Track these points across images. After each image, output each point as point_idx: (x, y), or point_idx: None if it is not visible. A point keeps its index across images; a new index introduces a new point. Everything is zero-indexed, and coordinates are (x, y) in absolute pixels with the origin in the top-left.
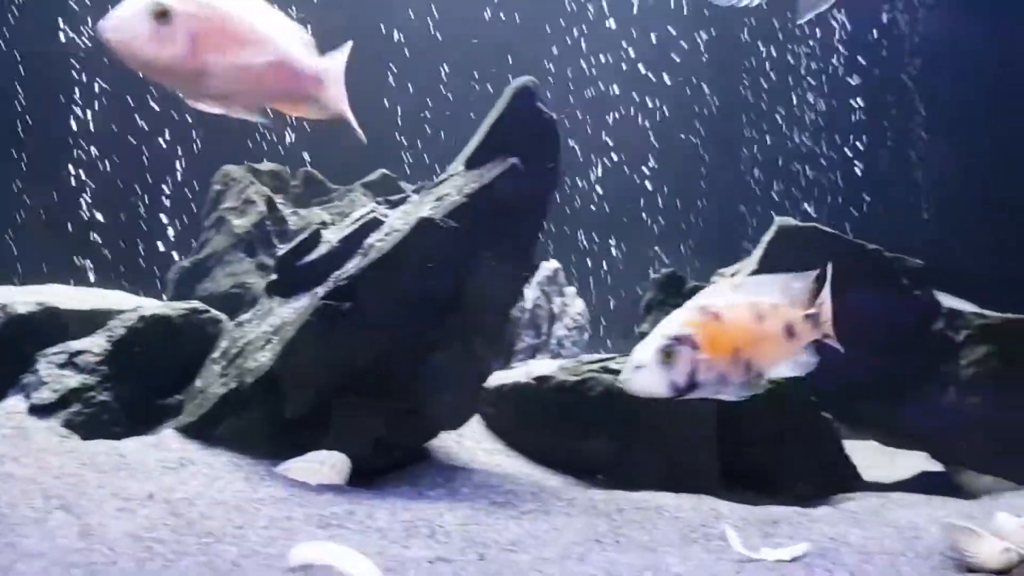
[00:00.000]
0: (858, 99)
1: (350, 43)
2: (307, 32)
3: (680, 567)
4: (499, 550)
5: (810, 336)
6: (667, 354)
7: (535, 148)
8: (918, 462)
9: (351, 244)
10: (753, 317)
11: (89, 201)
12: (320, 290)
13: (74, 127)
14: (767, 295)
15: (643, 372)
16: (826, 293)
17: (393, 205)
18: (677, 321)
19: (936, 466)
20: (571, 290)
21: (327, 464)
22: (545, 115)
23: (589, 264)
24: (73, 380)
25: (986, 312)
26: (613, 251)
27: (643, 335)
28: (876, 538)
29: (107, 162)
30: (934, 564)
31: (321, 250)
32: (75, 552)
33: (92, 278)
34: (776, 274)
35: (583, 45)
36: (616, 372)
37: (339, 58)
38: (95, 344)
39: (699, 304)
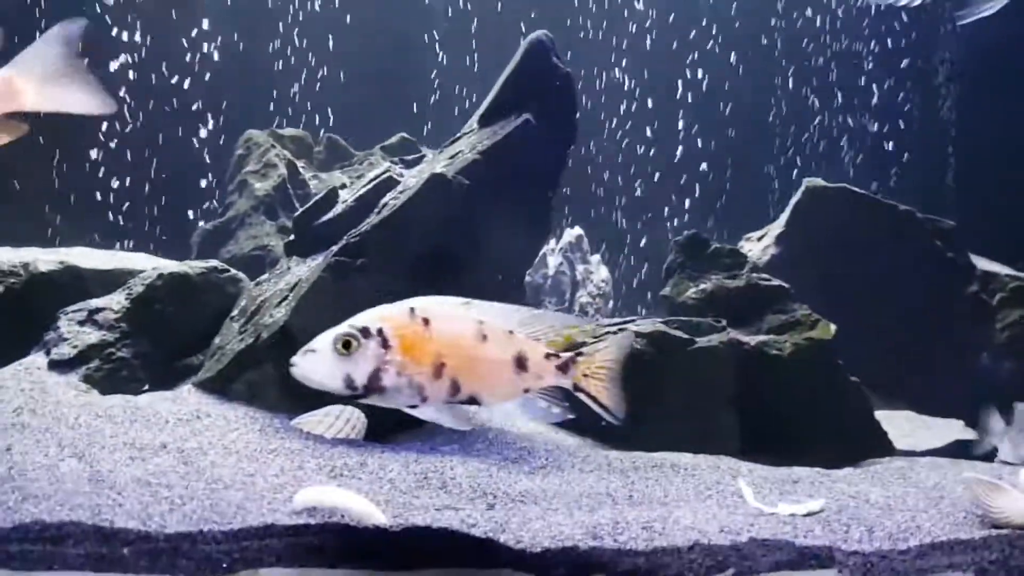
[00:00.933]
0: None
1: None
2: None
3: (690, 519)
4: (508, 501)
5: (552, 381)
6: (346, 344)
7: (551, 104)
8: (953, 431)
9: (366, 203)
10: (473, 335)
11: (114, 170)
12: (334, 248)
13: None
14: (502, 320)
15: (311, 357)
16: (600, 347)
17: (409, 165)
18: (375, 314)
19: (971, 434)
20: (595, 258)
21: (342, 418)
22: (561, 70)
23: (616, 232)
24: (92, 336)
25: (1021, 274)
26: (639, 219)
27: (666, 298)
28: (898, 496)
29: (133, 127)
30: (957, 520)
31: (337, 210)
32: (81, 495)
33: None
34: (533, 310)
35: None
36: (636, 335)
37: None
38: (114, 302)
39: (411, 304)
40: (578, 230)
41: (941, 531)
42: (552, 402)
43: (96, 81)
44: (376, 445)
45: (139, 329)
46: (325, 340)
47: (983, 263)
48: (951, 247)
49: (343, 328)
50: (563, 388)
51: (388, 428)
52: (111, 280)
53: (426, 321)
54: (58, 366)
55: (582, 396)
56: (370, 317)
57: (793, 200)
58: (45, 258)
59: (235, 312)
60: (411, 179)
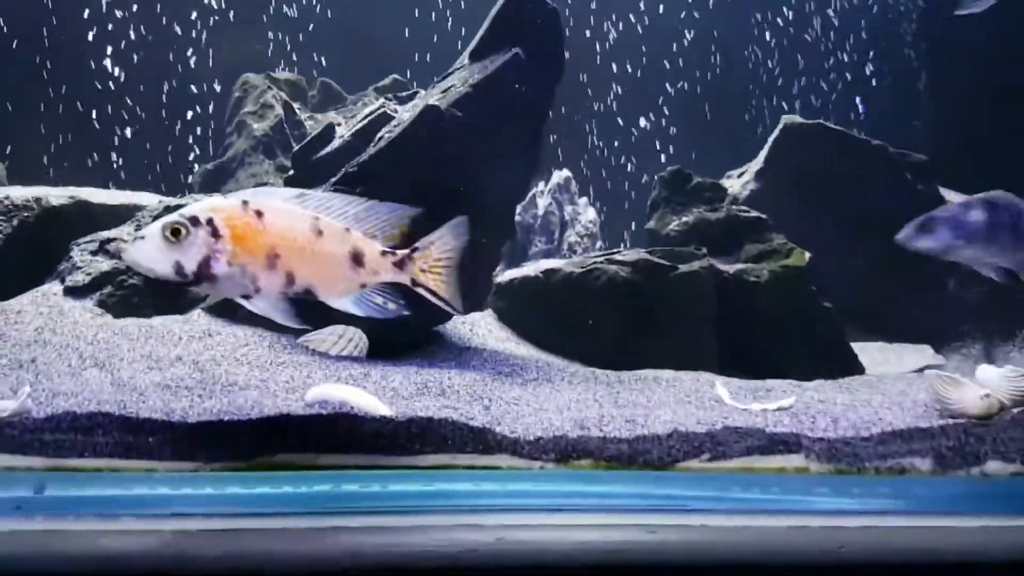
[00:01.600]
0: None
1: None
2: None
3: (670, 416)
4: (503, 403)
5: (389, 276)
6: (175, 231)
7: (539, 39)
8: (924, 357)
9: (362, 138)
10: (308, 229)
11: (118, 114)
12: (333, 179)
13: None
14: (340, 215)
15: (142, 243)
16: (434, 239)
17: (402, 101)
18: (207, 204)
19: (939, 360)
20: (583, 200)
21: (345, 337)
22: (547, 6)
23: (603, 173)
24: (105, 264)
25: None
26: (627, 161)
27: (650, 231)
28: (864, 399)
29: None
30: (917, 413)
31: (334, 144)
32: (106, 394)
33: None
34: (370, 201)
35: None
36: (621, 263)
37: None
38: (124, 233)
39: (244, 197)
40: (566, 172)
41: (902, 422)
42: (388, 298)
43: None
44: (379, 361)
45: None
46: (155, 227)
47: (952, 196)
48: (922, 180)
49: (173, 216)
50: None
51: (389, 349)
52: (120, 214)
53: (259, 213)
54: (73, 292)
55: (421, 291)
56: (201, 207)
57: (771, 137)
58: (56, 193)
59: None
60: (405, 113)
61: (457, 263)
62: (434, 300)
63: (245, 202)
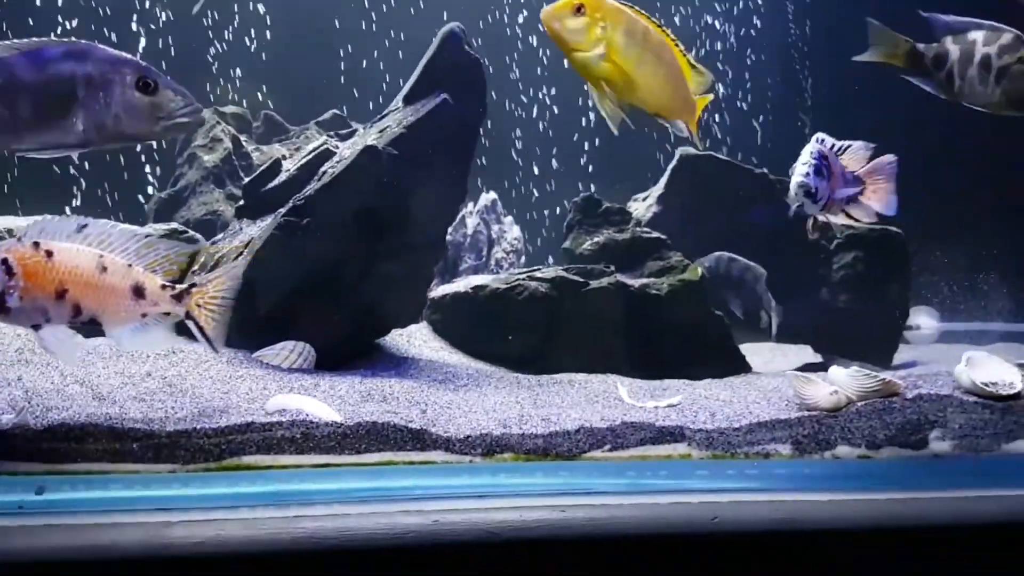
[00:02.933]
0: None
1: None
2: None
3: (579, 414)
4: (437, 408)
5: (168, 308)
6: None
7: (464, 85)
8: (805, 356)
9: (307, 172)
10: (94, 267)
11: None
12: (282, 210)
13: None
14: (122, 251)
15: None
16: (212, 278)
17: (343, 138)
18: (2, 246)
19: (817, 358)
20: (508, 219)
21: (295, 351)
22: (472, 56)
23: (524, 195)
24: None
25: (854, 223)
26: (547, 184)
27: (566, 251)
28: (741, 395)
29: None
30: (780, 407)
31: (281, 177)
32: (92, 407)
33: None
34: (150, 237)
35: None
36: (540, 280)
37: None
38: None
39: (35, 239)
40: (492, 195)
41: (767, 414)
42: (164, 334)
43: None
44: (326, 372)
45: None
46: None
47: (822, 216)
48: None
49: None
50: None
51: (335, 360)
52: None
53: (49, 253)
54: None
55: (191, 324)
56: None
57: (670, 166)
58: (25, 223)
59: (195, 267)
60: (346, 150)
61: (230, 302)
62: (198, 335)
63: (37, 243)
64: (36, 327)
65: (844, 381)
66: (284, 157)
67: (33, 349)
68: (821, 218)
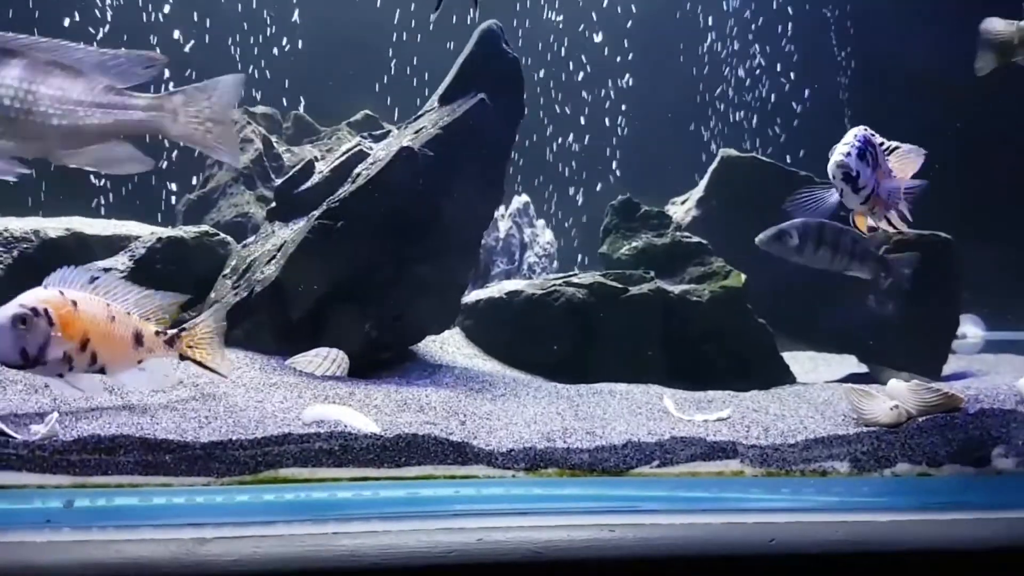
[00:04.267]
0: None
1: None
2: None
3: (624, 427)
4: (476, 418)
5: (163, 353)
6: (23, 321)
7: (501, 85)
8: (849, 366)
9: (340, 173)
10: (106, 316)
11: None
12: (315, 213)
13: None
14: (123, 302)
15: None
16: (198, 322)
17: (377, 139)
18: (37, 296)
19: (863, 368)
20: (541, 222)
21: (328, 358)
22: (509, 55)
23: (558, 198)
24: None
25: (904, 229)
26: (582, 186)
27: (603, 255)
28: (792, 408)
29: None
30: (837, 422)
31: (314, 179)
32: (122, 417)
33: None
34: (143, 289)
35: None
36: (578, 286)
37: None
38: (119, 263)
39: (58, 288)
40: (525, 197)
41: (823, 430)
42: (161, 370)
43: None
44: (360, 380)
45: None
46: (3, 318)
47: (871, 220)
48: (844, 207)
49: (15, 308)
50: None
51: (368, 367)
52: (113, 244)
53: (75, 303)
54: None
55: (191, 362)
56: (33, 298)
57: (710, 168)
58: (52, 225)
59: (227, 271)
60: (380, 152)
61: (219, 340)
62: (204, 369)
63: (62, 292)
64: (59, 376)
65: (904, 395)
66: (316, 158)
67: None
68: (869, 220)
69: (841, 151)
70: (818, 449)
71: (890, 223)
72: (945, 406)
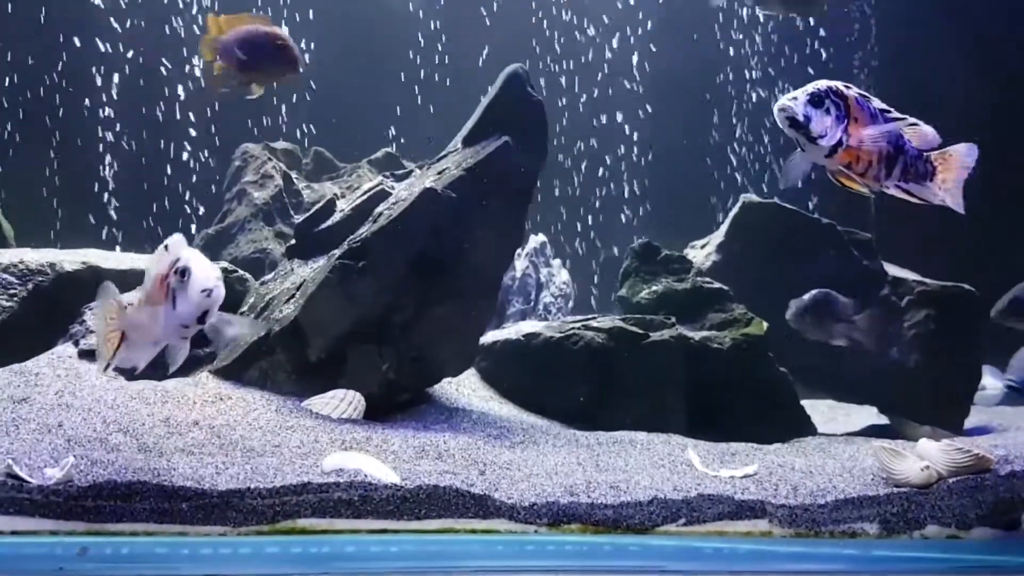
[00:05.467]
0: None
1: None
2: None
3: (649, 482)
4: (496, 468)
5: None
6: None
7: (525, 127)
8: (868, 417)
9: (361, 213)
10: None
11: (116, 176)
12: (336, 252)
13: (103, 112)
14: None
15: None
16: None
17: (399, 179)
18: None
19: (884, 420)
20: (557, 262)
21: (345, 400)
22: (534, 98)
23: (575, 240)
24: None
25: (927, 280)
26: (598, 229)
27: (622, 299)
28: (818, 464)
29: (132, 143)
30: (866, 481)
31: (335, 218)
32: (138, 461)
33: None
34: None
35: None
36: (597, 330)
37: None
38: (134, 297)
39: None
40: (542, 237)
41: (853, 490)
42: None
43: None
44: (376, 424)
45: None
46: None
47: (894, 270)
48: (867, 255)
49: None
50: None
51: (385, 408)
52: (127, 277)
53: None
54: (87, 355)
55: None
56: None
57: (731, 213)
58: (68, 259)
59: (244, 308)
60: (403, 192)
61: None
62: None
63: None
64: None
65: (934, 455)
66: (337, 196)
67: (74, 392)
68: (861, 184)
69: (786, 96)
70: (848, 510)
71: (908, 193)
72: (975, 467)
